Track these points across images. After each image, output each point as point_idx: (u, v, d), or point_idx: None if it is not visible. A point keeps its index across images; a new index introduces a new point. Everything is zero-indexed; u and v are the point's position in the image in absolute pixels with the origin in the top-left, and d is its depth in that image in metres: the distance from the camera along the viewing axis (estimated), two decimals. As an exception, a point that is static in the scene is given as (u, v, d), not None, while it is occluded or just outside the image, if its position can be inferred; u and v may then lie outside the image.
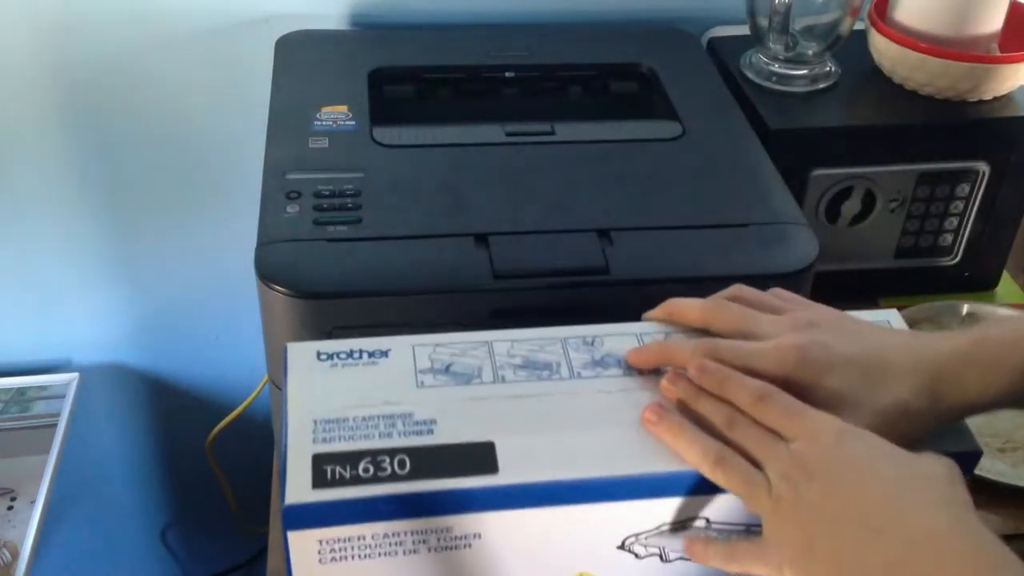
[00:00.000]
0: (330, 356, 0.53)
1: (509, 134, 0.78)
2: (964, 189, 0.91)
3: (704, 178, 0.74)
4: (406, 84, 0.87)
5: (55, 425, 1.06)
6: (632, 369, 0.53)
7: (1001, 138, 0.89)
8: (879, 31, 0.90)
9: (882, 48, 0.91)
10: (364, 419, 0.49)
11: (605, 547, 0.50)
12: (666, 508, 0.49)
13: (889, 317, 0.58)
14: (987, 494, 0.76)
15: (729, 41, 0.98)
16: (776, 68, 0.91)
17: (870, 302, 0.96)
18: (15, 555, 0.93)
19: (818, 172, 0.87)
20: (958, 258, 0.96)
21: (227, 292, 1.15)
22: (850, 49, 0.93)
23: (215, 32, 0.98)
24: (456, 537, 0.48)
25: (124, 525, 1.36)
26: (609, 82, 0.90)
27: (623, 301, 0.58)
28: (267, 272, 0.63)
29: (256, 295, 0.65)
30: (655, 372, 0.53)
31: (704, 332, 0.55)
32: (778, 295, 0.57)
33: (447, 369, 0.52)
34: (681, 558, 0.51)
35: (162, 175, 1.06)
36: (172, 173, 1.06)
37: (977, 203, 0.92)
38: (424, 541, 0.48)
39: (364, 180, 0.71)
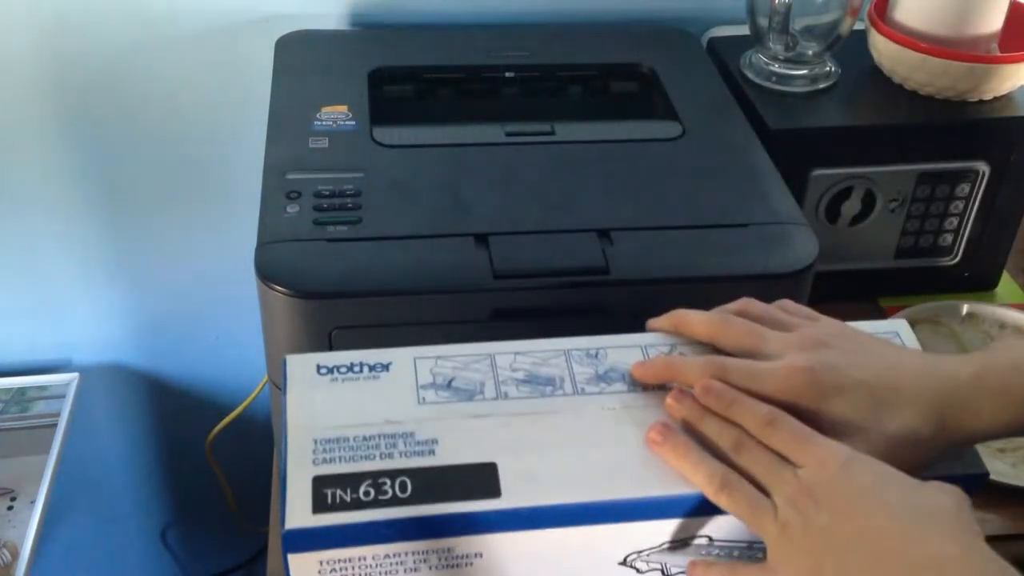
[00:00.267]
0: (330, 370, 0.52)
1: (509, 134, 0.78)
2: (964, 189, 0.91)
3: (704, 178, 0.74)
4: (406, 84, 0.87)
5: (55, 425, 1.06)
6: (636, 384, 0.52)
7: (1001, 138, 0.89)
8: (879, 31, 0.90)
9: (882, 48, 0.91)
10: (365, 439, 0.48)
11: (607, 564, 0.50)
12: (669, 527, 0.49)
13: (897, 328, 0.57)
14: (987, 494, 0.76)
15: (729, 41, 0.97)
16: (776, 68, 0.91)
17: (870, 302, 0.96)
18: (15, 555, 0.93)
19: (818, 172, 0.87)
20: (958, 258, 0.96)
21: (227, 292, 1.15)
22: (850, 49, 0.93)
23: (215, 32, 0.98)
24: (457, 556, 0.47)
25: (124, 525, 1.36)
26: (609, 82, 0.90)
27: (623, 301, 0.58)
28: (267, 272, 0.63)
29: (256, 295, 0.65)
30: (660, 387, 0.52)
31: (710, 346, 0.54)
32: (785, 308, 0.56)
33: (449, 384, 0.51)
34: (683, 573, 0.51)
35: (162, 175, 1.06)
36: (172, 173, 1.06)
37: (977, 203, 0.92)
38: (425, 560, 0.47)
39: (364, 180, 0.71)
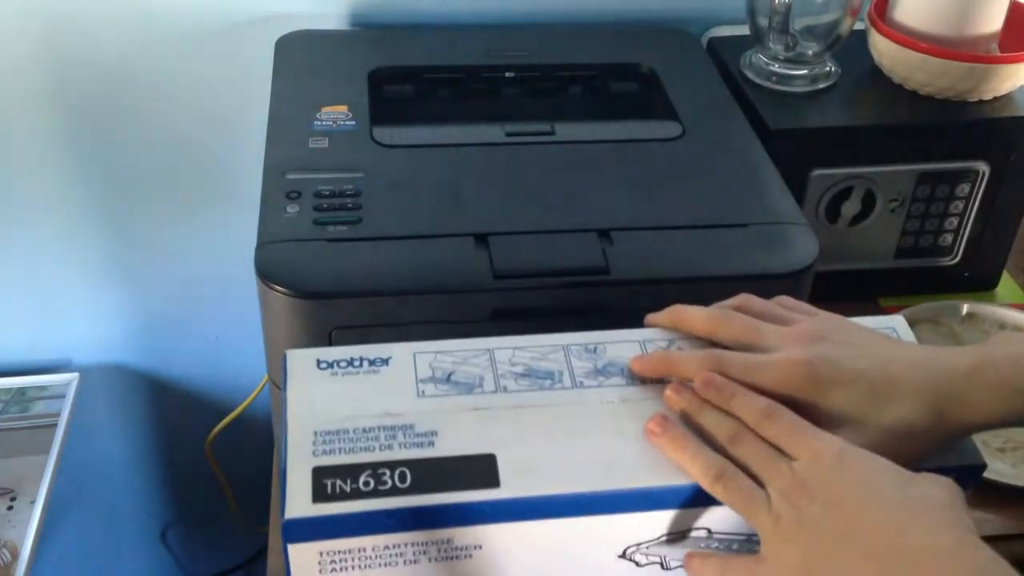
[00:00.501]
0: (330, 364, 0.52)
1: (509, 134, 0.78)
2: (964, 189, 0.91)
3: (704, 178, 0.74)
4: (406, 84, 0.87)
5: (55, 425, 1.06)
6: (635, 378, 0.52)
7: (1001, 138, 0.89)
8: (879, 31, 0.90)
9: (882, 48, 0.91)
10: (364, 430, 0.48)
11: (606, 557, 0.50)
12: (668, 519, 0.49)
13: (894, 324, 0.57)
14: (987, 494, 0.76)
15: (729, 41, 0.98)
16: (776, 68, 0.91)
17: (870, 302, 0.96)
18: (15, 555, 0.93)
19: (818, 172, 0.87)
20: (958, 258, 0.96)
21: (227, 292, 1.15)
22: (850, 49, 0.93)
23: (215, 32, 0.98)
24: (457, 548, 0.48)
25: (124, 525, 1.36)
26: (609, 82, 0.90)
27: (623, 301, 0.58)
28: (267, 272, 0.63)
29: (256, 295, 0.65)
30: (658, 381, 0.52)
31: (708, 341, 0.54)
32: (783, 304, 0.56)
33: (448, 378, 0.52)
34: (682, 566, 0.51)
35: (162, 175, 1.06)
36: (172, 173, 1.06)
37: (977, 203, 0.92)
38: (425, 552, 0.47)
39: (364, 180, 0.71)
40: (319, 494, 0.46)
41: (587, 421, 0.50)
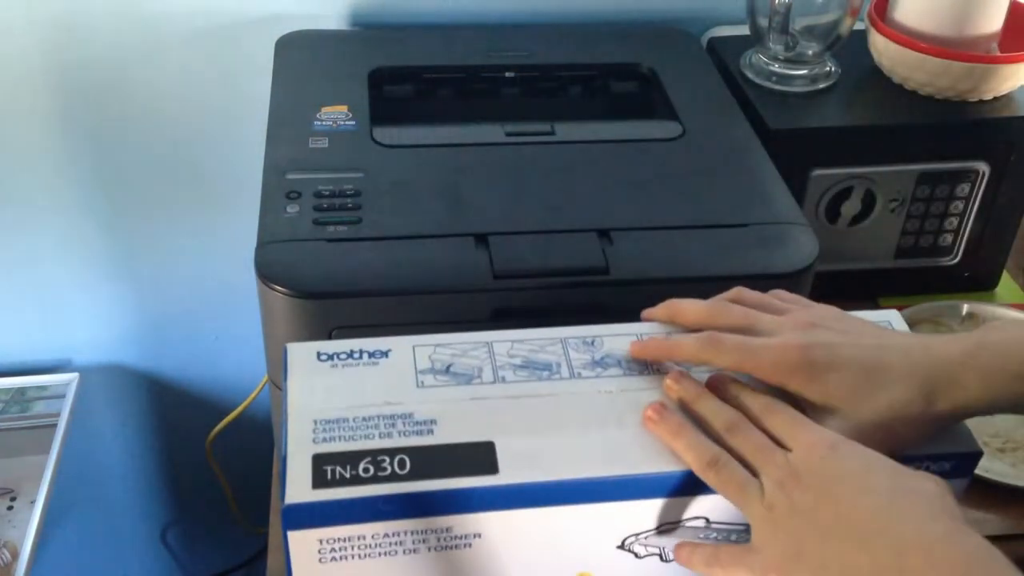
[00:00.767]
0: (330, 356, 0.53)
1: (509, 134, 0.78)
2: (964, 189, 0.91)
3: (704, 178, 0.74)
4: (406, 84, 0.87)
5: (55, 425, 1.06)
6: (632, 369, 0.53)
7: (1001, 138, 0.89)
8: (879, 31, 0.90)
9: (882, 48, 0.91)
10: (364, 419, 0.49)
11: (605, 547, 0.50)
12: (666, 508, 0.49)
13: (889, 318, 0.58)
14: (987, 494, 0.76)
15: (729, 41, 0.98)
16: (776, 68, 0.91)
17: (870, 302, 0.96)
18: (15, 555, 0.93)
19: (818, 172, 0.87)
20: (958, 258, 0.96)
21: (227, 292, 1.15)
22: (850, 49, 0.93)
23: (215, 32, 0.98)
24: (456, 537, 0.48)
25: (124, 525, 1.36)
26: (609, 82, 0.90)
27: (623, 301, 0.58)
28: (267, 272, 0.63)
29: (256, 295, 0.65)
30: (656, 372, 0.53)
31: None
32: (779, 296, 0.57)
33: (447, 369, 0.52)
34: None
35: (162, 175, 1.06)
36: (172, 173, 1.06)
37: (977, 203, 0.92)
38: (424, 541, 0.48)
39: (364, 180, 0.71)
40: (319, 480, 0.46)
41: (585, 410, 0.51)
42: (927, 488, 0.45)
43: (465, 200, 0.70)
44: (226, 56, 0.99)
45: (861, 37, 0.94)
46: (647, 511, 0.49)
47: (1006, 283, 1.00)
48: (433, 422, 0.49)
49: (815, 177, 0.88)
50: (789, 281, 0.66)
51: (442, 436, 0.48)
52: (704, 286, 0.60)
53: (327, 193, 0.69)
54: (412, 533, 0.47)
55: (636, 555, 0.51)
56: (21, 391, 1.11)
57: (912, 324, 0.59)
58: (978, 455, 0.52)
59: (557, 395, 0.51)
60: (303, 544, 0.47)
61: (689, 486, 0.48)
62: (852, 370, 0.50)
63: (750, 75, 0.92)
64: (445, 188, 0.71)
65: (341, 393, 0.50)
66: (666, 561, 0.51)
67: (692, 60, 0.92)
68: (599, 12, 1.01)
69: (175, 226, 1.10)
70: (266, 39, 0.91)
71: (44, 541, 0.97)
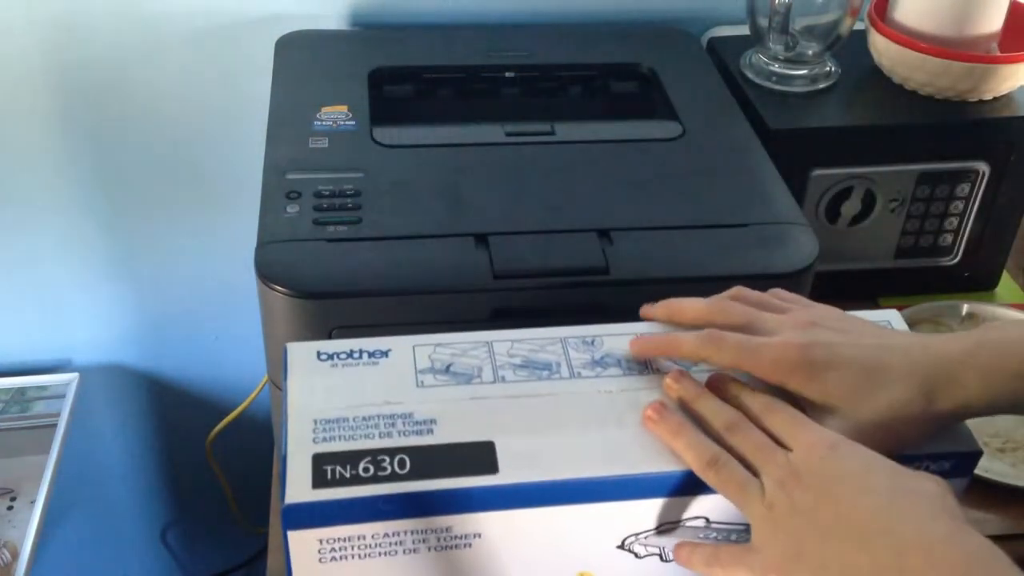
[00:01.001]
0: (330, 356, 0.53)
1: (509, 134, 0.78)
2: (964, 189, 0.91)
3: (704, 178, 0.74)
4: (406, 84, 0.87)
5: (55, 425, 1.06)
6: (632, 368, 0.53)
7: (1001, 138, 0.89)
8: (879, 31, 0.90)
9: (882, 48, 0.91)
10: (364, 419, 0.49)
11: (605, 547, 0.50)
12: (666, 507, 0.49)
13: (889, 317, 0.58)
14: (987, 494, 0.76)
15: (729, 41, 0.98)
16: (776, 68, 0.91)
17: (870, 302, 0.96)
18: (15, 555, 0.93)
19: (818, 172, 0.87)
20: (958, 258, 0.96)
21: (227, 292, 1.15)
22: (850, 49, 0.93)
23: (215, 32, 0.98)
24: (456, 537, 0.48)
25: (124, 525, 1.36)
26: (609, 82, 0.90)
27: (623, 301, 0.58)
28: (267, 272, 0.63)
29: (256, 295, 0.65)
30: (655, 372, 0.53)
31: None
32: (778, 296, 0.57)
33: (447, 369, 0.52)
34: None
35: (162, 175, 1.06)
36: (172, 173, 1.06)
37: (977, 203, 0.92)
38: (424, 540, 0.48)
39: (364, 180, 0.71)
40: (319, 480, 0.46)
41: (585, 409, 0.51)
42: (928, 488, 0.45)
43: (465, 200, 0.70)
44: (226, 56, 0.99)
45: (861, 37, 0.94)
46: (647, 511, 0.49)
47: (1006, 283, 1.00)
48: (433, 422, 0.49)
49: (815, 177, 0.88)
50: (789, 281, 0.66)
51: (442, 436, 0.48)
52: (704, 286, 0.60)
53: (327, 193, 0.69)
54: (412, 533, 0.47)
55: (636, 555, 0.51)
56: (21, 391, 1.11)
57: (912, 324, 0.59)
58: (978, 454, 0.52)
59: (557, 395, 0.51)
60: (303, 544, 0.47)
61: (689, 486, 0.48)
62: (852, 369, 0.50)
63: (750, 75, 0.92)
64: (445, 188, 0.71)
65: (341, 393, 0.50)
66: (666, 561, 0.51)
67: (692, 60, 0.92)
68: (599, 12, 1.01)
69: (175, 226, 1.10)
70: (266, 39, 0.91)
71: (44, 541, 0.97)
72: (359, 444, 0.48)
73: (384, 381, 0.51)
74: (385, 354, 0.53)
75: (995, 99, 0.89)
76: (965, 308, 0.93)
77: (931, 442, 0.51)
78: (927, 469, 0.50)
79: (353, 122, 0.78)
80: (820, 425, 0.48)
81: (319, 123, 0.78)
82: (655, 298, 0.57)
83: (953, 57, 0.86)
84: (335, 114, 0.79)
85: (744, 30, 0.94)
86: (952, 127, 0.89)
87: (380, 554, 0.48)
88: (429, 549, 0.48)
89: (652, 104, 0.87)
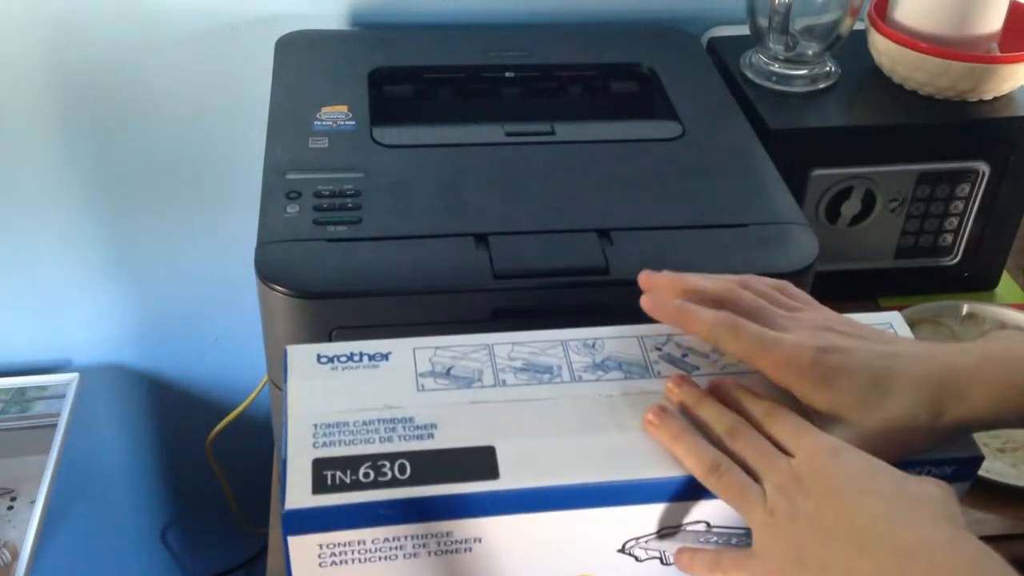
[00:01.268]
0: (330, 359, 0.52)
1: (509, 134, 0.78)
2: (964, 189, 0.91)
3: (704, 178, 0.74)
4: (406, 84, 0.87)
5: (55, 425, 1.06)
6: (633, 372, 0.53)
7: (1001, 138, 0.89)
8: (879, 31, 0.90)
9: (882, 48, 0.91)
10: (364, 423, 0.49)
11: (605, 551, 0.50)
12: (666, 512, 0.49)
13: (891, 320, 0.58)
14: (987, 494, 0.76)
15: (729, 41, 0.98)
16: (776, 68, 0.91)
17: (870, 302, 0.96)
18: (15, 555, 0.93)
19: (818, 172, 0.87)
20: (958, 258, 0.96)
21: (227, 292, 1.15)
22: (850, 49, 0.93)
23: (215, 32, 0.98)
24: (456, 541, 0.48)
25: (124, 525, 1.36)
26: (609, 82, 0.90)
27: (623, 301, 0.58)
28: (267, 272, 0.63)
29: (256, 295, 0.65)
30: (657, 376, 0.53)
31: (705, 341, 0.53)
32: (785, 291, 0.56)
33: (448, 372, 0.52)
34: None
35: (162, 175, 1.06)
36: (172, 173, 1.06)
37: (977, 203, 0.92)
38: (424, 545, 0.48)
39: (364, 180, 0.71)
40: (319, 485, 0.46)
41: (586, 414, 0.50)
42: (931, 492, 0.44)
43: (465, 200, 0.70)
44: (226, 56, 0.99)
45: (861, 37, 0.94)
46: (648, 515, 0.49)
47: (1006, 283, 1.00)
48: (433, 426, 0.49)
49: (815, 177, 0.87)
50: (789, 281, 0.65)
51: (442, 440, 0.48)
52: (704, 286, 0.60)
53: (327, 193, 0.69)
54: (412, 538, 0.47)
55: (637, 559, 0.50)
56: (21, 391, 1.11)
57: (912, 324, 0.59)
58: (980, 459, 0.52)
59: (558, 398, 0.51)
60: (303, 549, 0.46)
61: (690, 491, 0.48)
62: (861, 377, 0.49)
63: (750, 75, 0.92)
64: (445, 188, 0.71)
65: (341, 396, 0.50)
66: (667, 565, 0.51)
67: (692, 60, 0.92)
68: (599, 12, 1.01)
69: (175, 226, 1.10)
70: (266, 39, 0.91)
71: (44, 541, 0.97)
72: (359, 449, 0.47)
73: (384, 385, 0.51)
74: (385, 357, 0.53)
75: (995, 99, 0.89)
76: (965, 308, 0.93)
77: (933, 448, 0.50)
78: (929, 474, 0.49)
79: (353, 122, 0.78)
80: (824, 431, 0.48)
81: (319, 123, 0.77)
82: (655, 298, 0.57)
83: (953, 57, 0.86)
84: (335, 114, 0.79)
85: (744, 30, 0.94)
86: (952, 127, 0.89)
87: (380, 559, 0.48)
88: (429, 554, 0.48)
89: (652, 104, 0.87)
